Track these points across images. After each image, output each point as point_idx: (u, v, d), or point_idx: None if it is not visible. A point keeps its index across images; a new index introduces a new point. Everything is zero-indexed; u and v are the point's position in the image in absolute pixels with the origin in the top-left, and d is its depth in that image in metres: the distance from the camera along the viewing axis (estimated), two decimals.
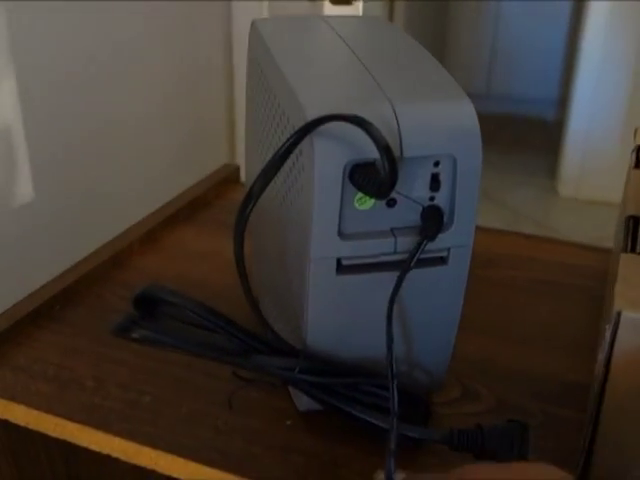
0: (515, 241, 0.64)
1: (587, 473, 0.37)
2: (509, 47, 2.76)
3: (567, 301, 0.56)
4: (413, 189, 0.37)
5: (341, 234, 0.37)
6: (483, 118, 0.38)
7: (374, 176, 0.34)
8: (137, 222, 0.62)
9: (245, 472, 0.39)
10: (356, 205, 0.36)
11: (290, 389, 0.44)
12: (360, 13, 1.34)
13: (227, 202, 0.69)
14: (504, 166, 2.25)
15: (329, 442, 0.41)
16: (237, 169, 0.73)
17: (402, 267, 0.38)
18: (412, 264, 0.37)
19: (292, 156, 0.36)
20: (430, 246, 0.38)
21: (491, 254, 0.62)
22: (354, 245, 0.37)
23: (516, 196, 2.13)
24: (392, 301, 0.38)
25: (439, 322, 0.41)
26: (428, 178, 0.37)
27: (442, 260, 0.39)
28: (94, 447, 0.42)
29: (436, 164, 0.37)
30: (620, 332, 0.34)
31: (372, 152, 0.34)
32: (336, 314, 0.39)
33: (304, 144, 0.35)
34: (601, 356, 0.35)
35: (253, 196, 0.37)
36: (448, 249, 0.38)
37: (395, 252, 0.38)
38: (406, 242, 0.38)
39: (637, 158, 0.51)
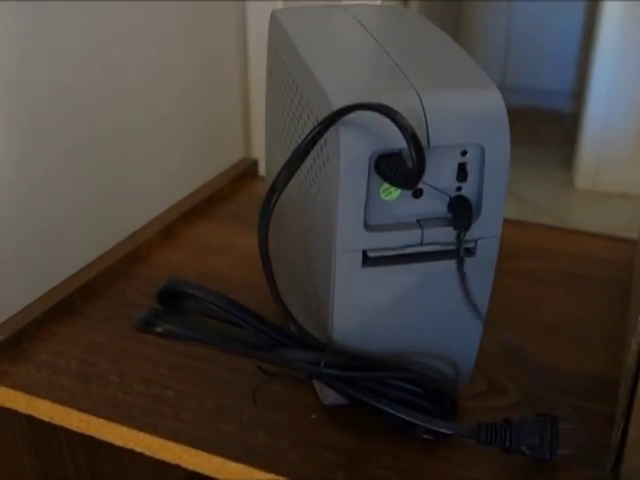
0: (536, 232, 0.63)
1: (618, 469, 0.37)
2: (524, 38, 2.74)
3: (593, 293, 0.55)
4: (440, 179, 0.36)
5: (367, 226, 0.36)
6: None
7: (401, 166, 0.34)
8: (155, 217, 0.62)
9: (271, 467, 0.39)
10: (382, 196, 0.36)
11: (315, 383, 0.44)
12: (378, 2, 1.34)
13: (245, 196, 0.69)
14: (519, 159, 2.23)
15: (354, 436, 0.41)
16: (254, 163, 0.73)
17: (456, 259, 0.37)
18: (462, 254, 0.37)
19: (316, 147, 0.36)
20: (454, 237, 0.37)
21: (512, 246, 0.61)
22: (380, 237, 0.36)
23: (532, 189, 2.11)
24: (466, 290, 0.38)
25: (466, 315, 0.41)
26: (455, 168, 0.36)
27: (469, 251, 0.38)
28: (118, 442, 0.42)
29: (463, 153, 0.36)
30: None
31: (398, 142, 0.33)
32: (362, 307, 0.38)
33: (329, 134, 0.35)
34: (634, 347, 0.35)
35: (277, 188, 0.36)
36: (476, 240, 0.38)
37: (422, 244, 0.37)
38: (433, 233, 0.37)
39: None
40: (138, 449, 0.41)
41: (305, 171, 0.40)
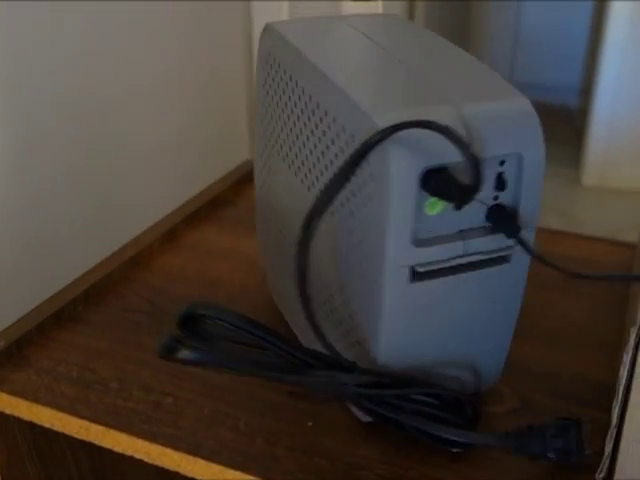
0: (539, 237, 0.63)
1: (612, 476, 0.37)
2: (532, 34, 2.73)
3: (593, 298, 0.55)
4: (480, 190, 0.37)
5: (415, 241, 0.36)
6: None
7: (452, 181, 0.34)
8: (157, 221, 0.63)
9: (266, 474, 0.39)
10: (426, 211, 0.36)
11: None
12: (380, 10, 1.33)
13: (248, 199, 0.69)
14: None
15: (351, 444, 0.41)
16: None
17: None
18: (533, 256, 0.38)
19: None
20: (494, 245, 0.38)
21: None
22: (427, 251, 0.37)
23: None
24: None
25: (499, 322, 0.41)
26: (493, 178, 0.37)
27: (504, 259, 0.39)
28: (118, 449, 0.42)
29: (501, 163, 0.36)
30: None
31: (445, 157, 0.34)
32: (410, 322, 0.39)
33: (374, 153, 0.35)
34: (626, 358, 0.35)
35: (317, 214, 0.36)
36: (511, 247, 0.38)
37: (464, 255, 0.38)
38: (474, 243, 0.37)
39: None
40: (137, 456, 0.42)
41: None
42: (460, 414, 0.40)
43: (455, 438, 0.39)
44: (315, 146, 0.41)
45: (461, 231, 0.37)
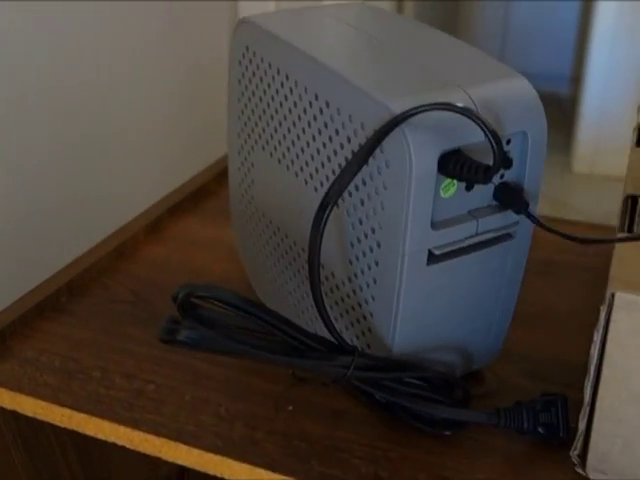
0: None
1: (586, 454, 0.38)
2: (521, 22, 2.72)
3: (571, 281, 0.55)
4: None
5: (432, 225, 0.37)
6: None
7: (471, 162, 0.35)
8: (141, 213, 0.63)
9: (247, 458, 0.40)
10: (441, 194, 0.37)
11: None
12: None
13: None
14: None
15: (331, 428, 0.42)
16: None
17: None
18: (543, 227, 0.38)
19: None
20: (502, 222, 0.39)
21: None
22: (444, 233, 0.37)
23: None
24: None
25: (503, 299, 0.42)
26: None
27: (509, 236, 0.40)
28: (100, 436, 0.43)
29: (507, 142, 0.37)
30: (615, 314, 0.34)
31: (460, 139, 0.35)
32: (424, 306, 0.39)
33: (389, 139, 0.35)
34: (596, 336, 0.35)
35: (329, 204, 0.36)
36: (517, 223, 0.39)
37: (477, 234, 0.38)
38: (485, 222, 0.38)
39: (639, 136, 0.51)
40: (120, 443, 0.42)
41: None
42: (450, 396, 0.41)
43: (447, 416, 0.40)
44: (314, 138, 0.41)
45: (470, 211, 0.38)
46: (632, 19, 2.00)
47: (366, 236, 0.39)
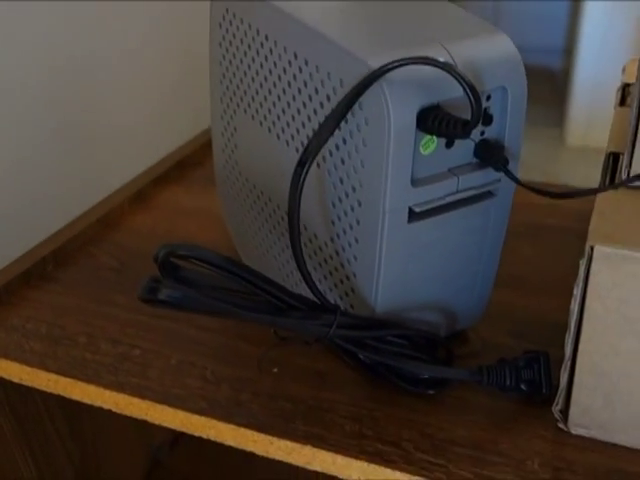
0: (522, 191, 0.64)
1: (568, 409, 0.38)
2: None
3: (552, 242, 0.56)
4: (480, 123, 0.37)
5: (413, 182, 0.36)
6: None
7: (450, 117, 0.34)
8: (126, 183, 0.63)
9: (232, 419, 0.40)
10: (421, 150, 0.36)
11: None
12: None
13: None
14: None
15: (315, 388, 0.42)
16: None
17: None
18: (519, 184, 0.39)
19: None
20: (483, 180, 0.39)
21: None
22: (424, 191, 0.37)
23: (523, 146, 2.10)
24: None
25: (486, 258, 0.42)
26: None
27: (490, 193, 0.40)
28: (86, 400, 0.43)
29: (488, 98, 0.37)
30: (594, 266, 0.34)
31: (438, 94, 0.35)
32: (406, 265, 0.39)
33: (367, 96, 0.35)
34: (576, 291, 0.35)
35: (307, 161, 0.36)
36: (498, 180, 0.39)
37: (457, 191, 0.38)
38: (466, 179, 0.38)
39: (622, 96, 0.51)
40: (106, 406, 0.43)
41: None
42: (433, 355, 0.42)
43: (430, 374, 0.41)
44: (294, 98, 0.40)
45: (450, 169, 0.38)
46: None
47: (347, 195, 0.39)
